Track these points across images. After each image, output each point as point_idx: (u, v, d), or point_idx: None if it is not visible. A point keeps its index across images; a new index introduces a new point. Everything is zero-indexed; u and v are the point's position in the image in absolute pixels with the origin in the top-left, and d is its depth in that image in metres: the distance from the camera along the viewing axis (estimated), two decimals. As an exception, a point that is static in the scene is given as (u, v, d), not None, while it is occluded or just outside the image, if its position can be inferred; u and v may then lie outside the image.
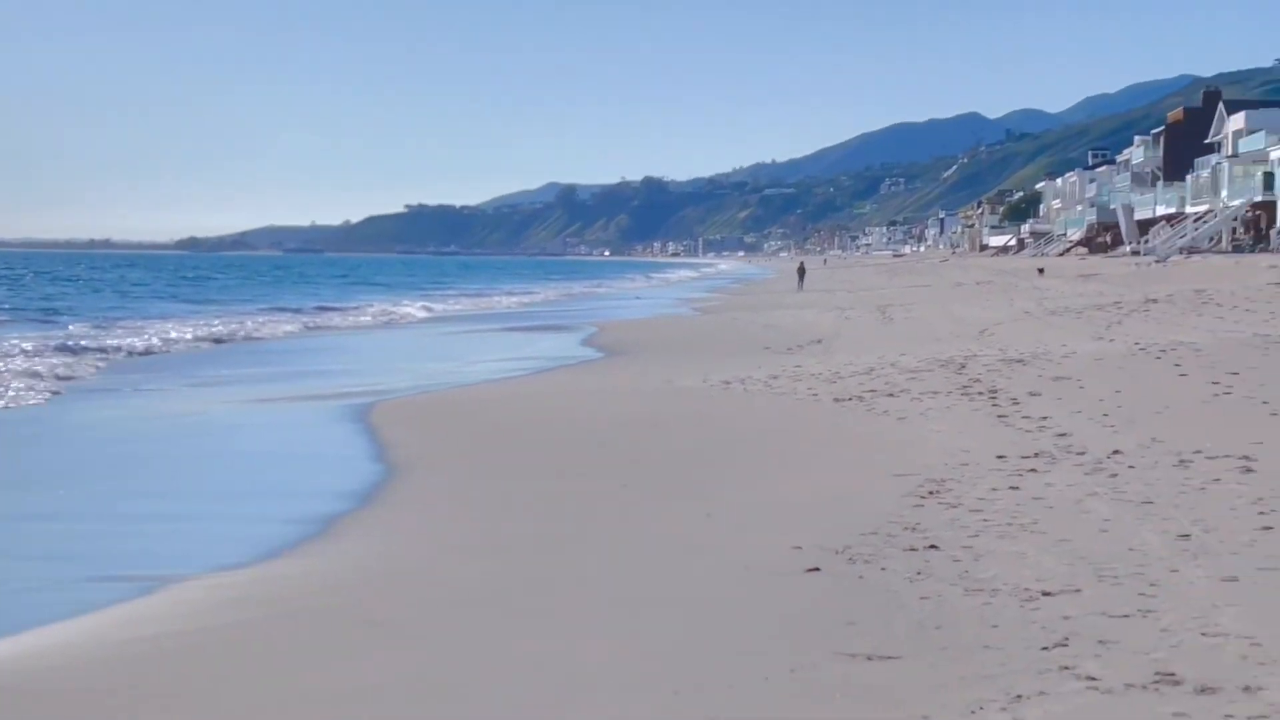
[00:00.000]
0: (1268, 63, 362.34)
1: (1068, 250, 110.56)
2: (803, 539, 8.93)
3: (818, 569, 8.14)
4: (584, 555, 9.10)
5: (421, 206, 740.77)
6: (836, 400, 16.48)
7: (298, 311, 51.83)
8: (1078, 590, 7.29)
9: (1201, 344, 19.92)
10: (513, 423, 16.27)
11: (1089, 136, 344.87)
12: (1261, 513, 8.91)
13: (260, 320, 43.93)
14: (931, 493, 10.32)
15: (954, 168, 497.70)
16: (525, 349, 31.28)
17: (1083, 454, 11.62)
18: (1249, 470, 10.40)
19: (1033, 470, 10.99)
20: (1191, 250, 73.32)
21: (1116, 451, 11.58)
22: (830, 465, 12.05)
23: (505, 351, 30.31)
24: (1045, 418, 13.84)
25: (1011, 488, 10.32)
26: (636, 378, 21.37)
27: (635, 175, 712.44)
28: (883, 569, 8.05)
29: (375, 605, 7.95)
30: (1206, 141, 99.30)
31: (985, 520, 9.22)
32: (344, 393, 20.18)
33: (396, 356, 30.63)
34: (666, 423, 15.61)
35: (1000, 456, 11.69)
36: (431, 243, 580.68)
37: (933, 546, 8.51)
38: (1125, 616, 6.75)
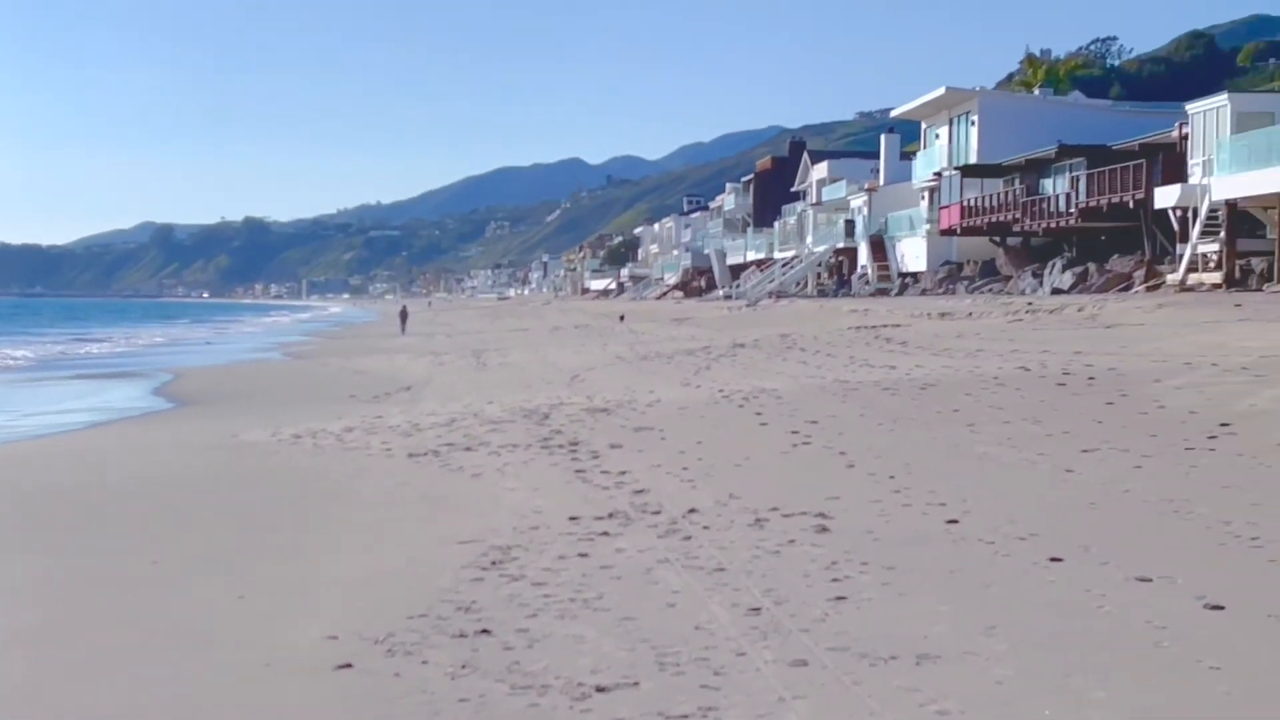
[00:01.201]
0: (849, 116, 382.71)
1: (665, 294, 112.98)
2: (342, 625, 7.86)
3: (350, 665, 7.08)
4: (87, 651, 7.76)
5: (4, 245, 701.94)
6: (411, 455, 15.45)
7: None
8: (635, 684, 6.47)
9: (783, 391, 19.82)
10: (47, 487, 14.56)
11: (685, 183, 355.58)
12: (835, 579, 8.35)
13: None
14: (495, 563, 9.41)
15: (557, 212, 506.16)
16: (89, 399, 29.00)
17: (658, 513, 10.96)
18: (824, 530, 9.91)
19: (605, 534, 10.23)
20: (780, 294, 75.79)
21: (693, 510, 10.96)
22: (390, 532, 11.00)
23: (66, 402, 28.00)
24: (624, 472, 13.19)
25: (581, 555, 9.52)
26: (201, 431, 19.77)
27: (236, 215, 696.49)
28: (424, 662, 7.06)
29: None
30: (793, 189, 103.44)
31: (547, 596, 8.35)
32: None
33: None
34: (220, 484, 14.23)
35: (573, 518, 10.90)
36: (15, 284, 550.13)
37: (485, 631, 7.57)
38: (684, 717, 5.96)
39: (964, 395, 17.58)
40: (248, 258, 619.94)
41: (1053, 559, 8.60)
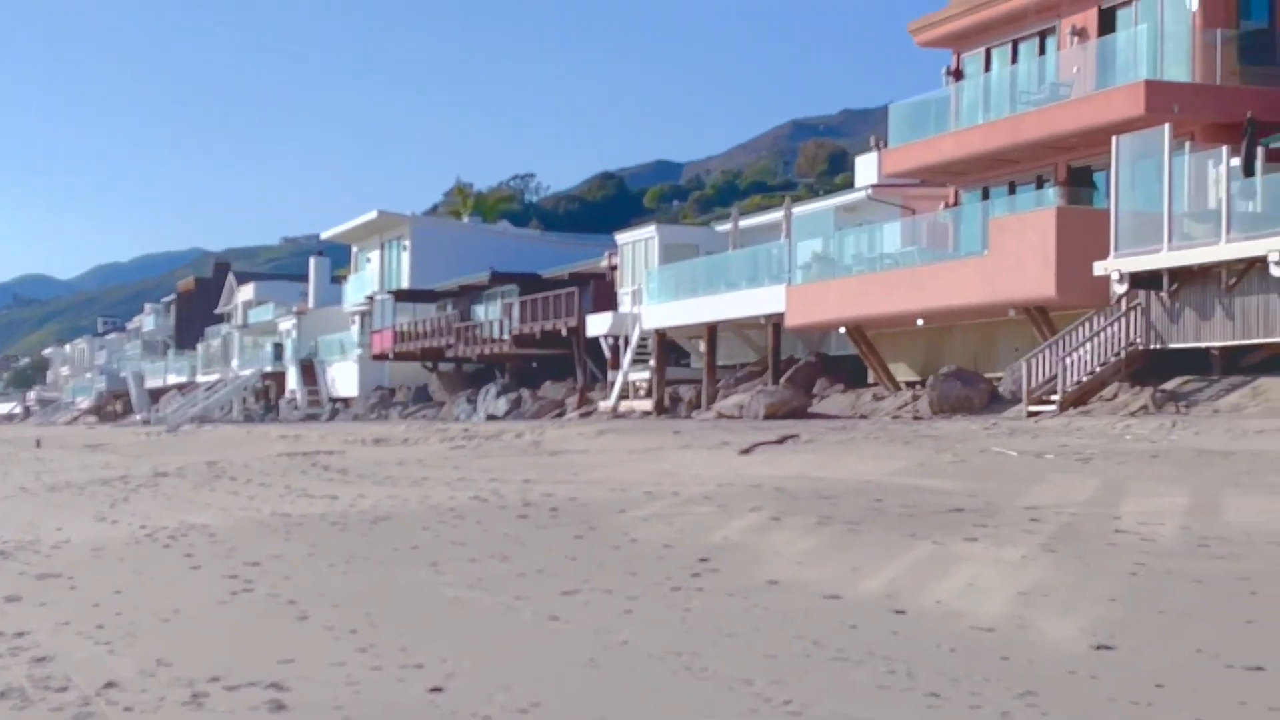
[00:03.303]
0: (274, 240, 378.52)
1: (77, 418, 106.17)
2: None
3: None
4: None
5: None
6: None
7: None
8: None
9: (216, 526, 17.64)
10: None
11: (101, 304, 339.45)
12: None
13: None
14: None
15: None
16: None
17: (65, 690, 8.71)
18: (280, 707, 8.03)
19: (-7, 724, 7.93)
20: (204, 419, 72.29)
21: (111, 684, 8.78)
22: None
23: None
24: (22, 634, 10.75)
25: (-42, 757, 7.20)
26: None
27: None
28: None
29: None
30: (218, 311, 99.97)
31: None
32: None
33: None
34: None
35: (-49, 701, 8.48)
36: None
37: None
38: None
39: (421, 529, 16.04)
40: None
41: (568, 738, 7.11)
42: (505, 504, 18.40)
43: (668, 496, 17.89)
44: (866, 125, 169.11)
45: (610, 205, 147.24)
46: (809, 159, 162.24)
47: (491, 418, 47.91)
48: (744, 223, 44.80)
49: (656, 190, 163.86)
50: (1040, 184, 33.67)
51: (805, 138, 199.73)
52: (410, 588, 12.34)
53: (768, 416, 33.33)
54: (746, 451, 24.26)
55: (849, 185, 55.14)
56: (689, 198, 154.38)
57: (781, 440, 25.56)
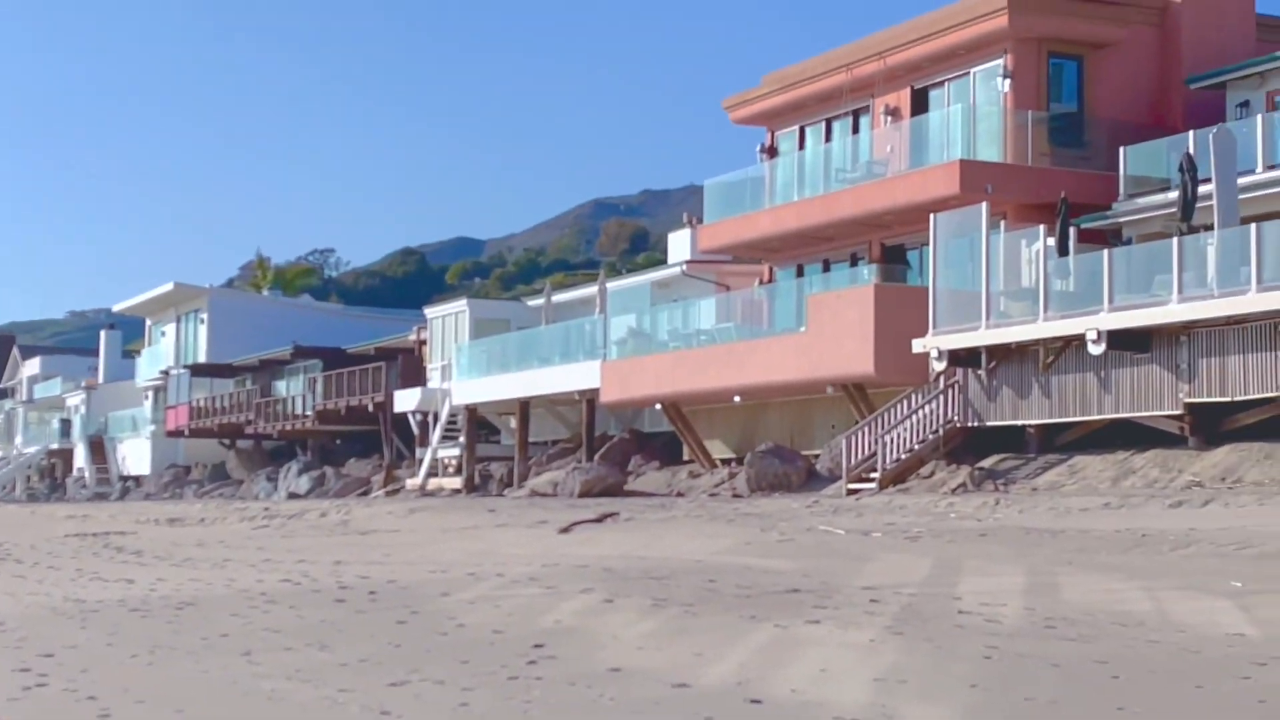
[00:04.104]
0: (59, 314, 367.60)
1: None
2: None
3: None
4: None
5: None
6: None
7: None
8: None
9: (3, 614, 16.35)
10: None
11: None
12: None
13: None
14: None
15: None
16: None
17: None
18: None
19: None
20: (-15, 498, 69.11)
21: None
22: None
23: None
24: None
25: None
26: None
27: None
28: None
29: None
30: (0, 386, 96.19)
31: None
32: None
33: None
34: None
35: None
36: None
37: None
38: None
39: (230, 616, 15.00)
40: None
41: None
42: (319, 587, 17.44)
43: (491, 578, 17.13)
44: (666, 205, 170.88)
45: (412, 281, 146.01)
46: (610, 238, 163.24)
47: (294, 496, 46.45)
48: (557, 298, 44.35)
49: (459, 266, 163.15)
50: (855, 261, 33.87)
51: (606, 216, 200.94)
52: (224, 681, 11.37)
53: (583, 494, 32.71)
54: (566, 530, 23.61)
55: (651, 264, 55.23)
56: (491, 274, 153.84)
57: (601, 519, 24.98)
